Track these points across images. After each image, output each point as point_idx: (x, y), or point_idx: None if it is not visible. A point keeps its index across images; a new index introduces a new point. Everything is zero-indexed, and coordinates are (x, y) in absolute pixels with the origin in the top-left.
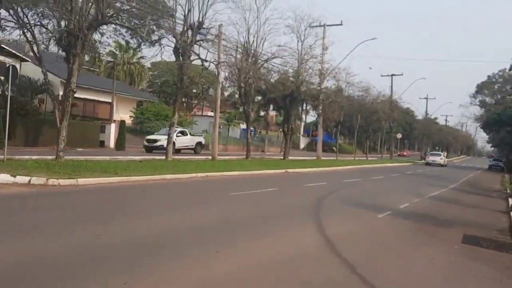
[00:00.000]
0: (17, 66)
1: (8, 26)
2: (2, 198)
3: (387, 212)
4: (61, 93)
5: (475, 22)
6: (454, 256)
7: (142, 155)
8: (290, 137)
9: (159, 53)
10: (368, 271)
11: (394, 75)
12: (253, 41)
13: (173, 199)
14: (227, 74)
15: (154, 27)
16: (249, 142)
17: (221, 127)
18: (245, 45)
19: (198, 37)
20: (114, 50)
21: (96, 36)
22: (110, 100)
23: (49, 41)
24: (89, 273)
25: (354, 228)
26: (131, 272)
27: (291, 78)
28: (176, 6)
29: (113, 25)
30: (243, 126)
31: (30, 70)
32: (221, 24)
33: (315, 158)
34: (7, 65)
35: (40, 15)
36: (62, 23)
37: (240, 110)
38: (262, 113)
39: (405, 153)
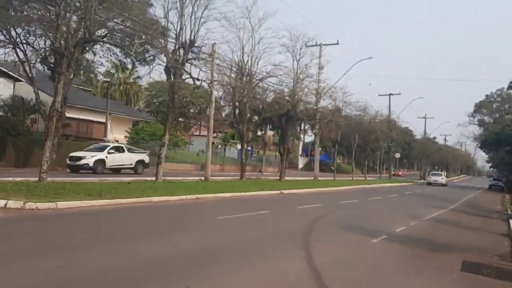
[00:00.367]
0: (11, 86)
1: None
2: None
3: (382, 237)
4: None
5: (474, 41)
6: (452, 287)
7: (134, 176)
8: (287, 157)
9: (149, 72)
10: None
11: (392, 94)
12: (248, 60)
13: (154, 224)
14: (221, 93)
15: (149, 46)
16: (244, 162)
17: (219, 147)
18: (239, 64)
19: (190, 56)
20: (110, 70)
21: (89, 56)
22: (104, 120)
23: (36, 60)
24: None
25: (345, 256)
26: None
27: (286, 97)
28: (167, 24)
29: (106, 45)
30: (240, 146)
31: (24, 90)
32: (215, 42)
33: (312, 178)
34: None
35: (27, 33)
36: (49, 42)
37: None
38: (259, 133)
39: (400, 173)
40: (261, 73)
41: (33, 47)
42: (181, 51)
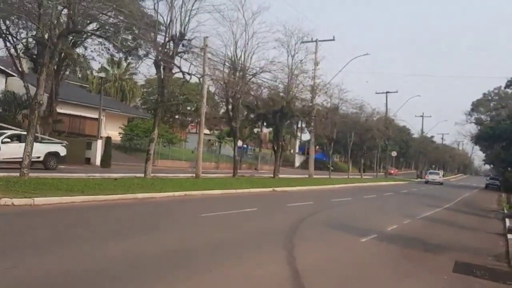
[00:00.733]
0: (3, 81)
1: None
2: None
3: (372, 236)
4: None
5: (471, 39)
6: None
7: (126, 172)
8: (281, 154)
9: (138, 65)
10: None
11: (389, 92)
12: (241, 55)
13: (131, 222)
14: (215, 89)
15: (140, 40)
16: (236, 159)
17: (215, 144)
18: (233, 58)
19: (180, 49)
20: (105, 66)
21: (80, 50)
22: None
23: (19, 51)
24: None
25: (330, 256)
26: None
27: (281, 94)
28: (157, 16)
29: (98, 39)
30: (239, 143)
31: (17, 85)
32: (207, 36)
33: (307, 176)
34: None
35: (12, 23)
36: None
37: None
38: (256, 130)
39: (392, 172)
40: (254, 68)
41: (16, 38)
42: (171, 44)
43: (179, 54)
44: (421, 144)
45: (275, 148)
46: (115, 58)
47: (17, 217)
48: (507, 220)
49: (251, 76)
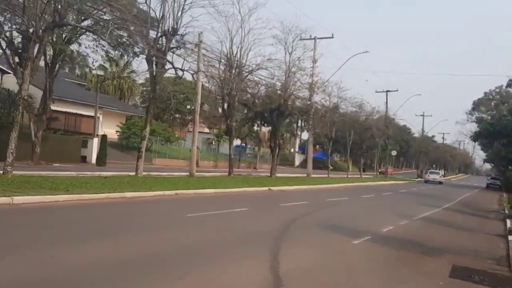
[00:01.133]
0: None
1: None
2: None
3: (366, 237)
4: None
5: (473, 37)
6: None
7: (121, 170)
8: (278, 153)
9: (127, 61)
10: None
11: (389, 91)
12: (237, 51)
13: (111, 222)
14: (210, 86)
15: (130, 35)
16: (232, 158)
17: (214, 143)
18: (228, 55)
19: (173, 44)
20: (104, 64)
21: (76, 47)
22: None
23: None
24: None
25: (318, 260)
26: None
27: (278, 92)
28: (149, 10)
29: (94, 36)
30: (236, 142)
31: (12, 82)
32: (201, 32)
33: (305, 175)
34: None
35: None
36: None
37: (235, 126)
38: (256, 128)
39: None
40: (251, 66)
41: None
42: (164, 39)
43: (172, 50)
44: (421, 144)
45: (273, 146)
46: (110, 55)
47: None
48: (507, 221)
49: (247, 73)
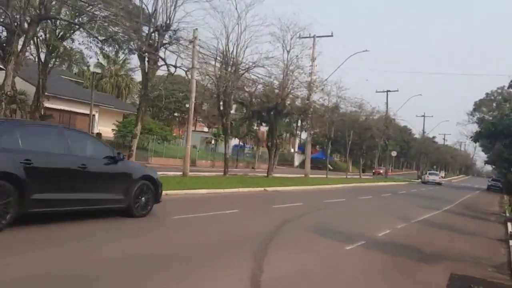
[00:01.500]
0: None
1: None
2: None
3: (360, 242)
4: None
5: (474, 37)
6: None
7: None
8: (275, 152)
9: (127, 58)
10: None
11: (390, 91)
12: (233, 49)
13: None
14: (206, 84)
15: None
16: (227, 157)
17: (212, 142)
18: (224, 52)
19: (166, 40)
20: (101, 62)
21: (69, 43)
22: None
23: None
24: None
25: (305, 267)
26: None
27: (276, 90)
28: (141, 4)
29: (88, 31)
30: (235, 141)
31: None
32: (196, 28)
33: (304, 175)
34: None
35: None
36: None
37: (233, 124)
38: (255, 128)
39: (381, 171)
40: (247, 63)
41: None
42: (156, 35)
43: (165, 46)
44: (422, 145)
45: (270, 146)
46: (104, 52)
47: None
48: (509, 225)
49: (243, 71)
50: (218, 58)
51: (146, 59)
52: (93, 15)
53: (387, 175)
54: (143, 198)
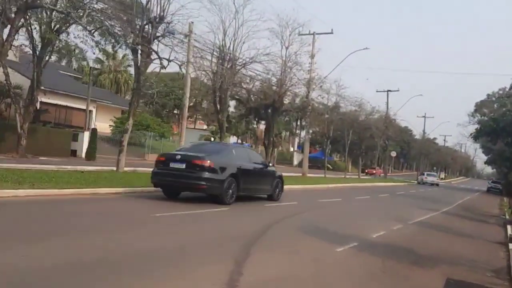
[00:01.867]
0: None
1: None
2: None
3: (352, 244)
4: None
5: (477, 37)
6: None
7: (109, 165)
8: (272, 150)
9: (115, 49)
10: None
11: (390, 91)
12: (230, 44)
13: (62, 222)
14: (202, 79)
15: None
16: None
17: (212, 139)
18: (221, 47)
19: (160, 33)
20: (101, 57)
21: (63, 37)
22: (89, 108)
23: None
24: None
25: (289, 271)
26: None
27: (274, 87)
28: None
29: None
30: (233, 139)
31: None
32: (192, 22)
33: (301, 174)
34: None
35: None
36: None
37: (232, 122)
38: (255, 126)
39: (374, 171)
40: (243, 59)
41: None
42: (149, 27)
43: (158, 39)
44: (422, 145)
45: (266, 144)
46: (100, 46)
47: None
48: (508, 227)
49: (240, 67)
50: (215, 53)
51: (139, 52)
52: (83, 4)
53: (386, 175)
54: (277, 189)
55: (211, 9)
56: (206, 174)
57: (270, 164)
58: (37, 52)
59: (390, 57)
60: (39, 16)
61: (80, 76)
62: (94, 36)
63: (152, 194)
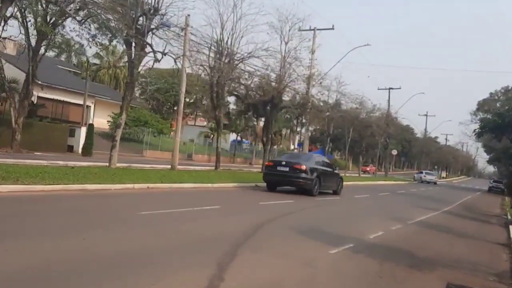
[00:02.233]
0: None
1: None
2: None
3: (347, 245)
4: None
5: (479, 36)
6: None
7: (104, 161)
8: (270, 147)
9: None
10: None
11: (392, 88)
12: (228, 38)
13: (37, 220)
14: (199, 73)
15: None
16: (219, 151)
17: (211, 136)
18: (218, 41)
19: (153, 25)
20: (100, 53)
21: (59, 30)
22: (86, 103)
23: None
24: None
25: (276, 276)
26: None
27: (273, 83)
28: None
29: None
30: (233, 136)
31: None
32: (189, 15)
33: None
34: None
35: None
36: None
37: (232, 119)
38: (254, 123)
39: (368, 169)
40: (241, 53)
41: None
42: (144, 19)
43: (152, 31)
44: (424, 144)
45: (265, 140)
46: (97, 40)
47: None
48: (510, 228)
49: (238, 61)
50: (213, 48)
51: (133, 44)
52: None
53: (387, 173)
54: (339, 187)
55: (209, 2)
56: (303, 175)
57: (337, 168)
58: (32, 45)
59: (392, 54)
60: (34, 8)
61: (80, 71)
62: (84, 27)
63: (142, 192)
